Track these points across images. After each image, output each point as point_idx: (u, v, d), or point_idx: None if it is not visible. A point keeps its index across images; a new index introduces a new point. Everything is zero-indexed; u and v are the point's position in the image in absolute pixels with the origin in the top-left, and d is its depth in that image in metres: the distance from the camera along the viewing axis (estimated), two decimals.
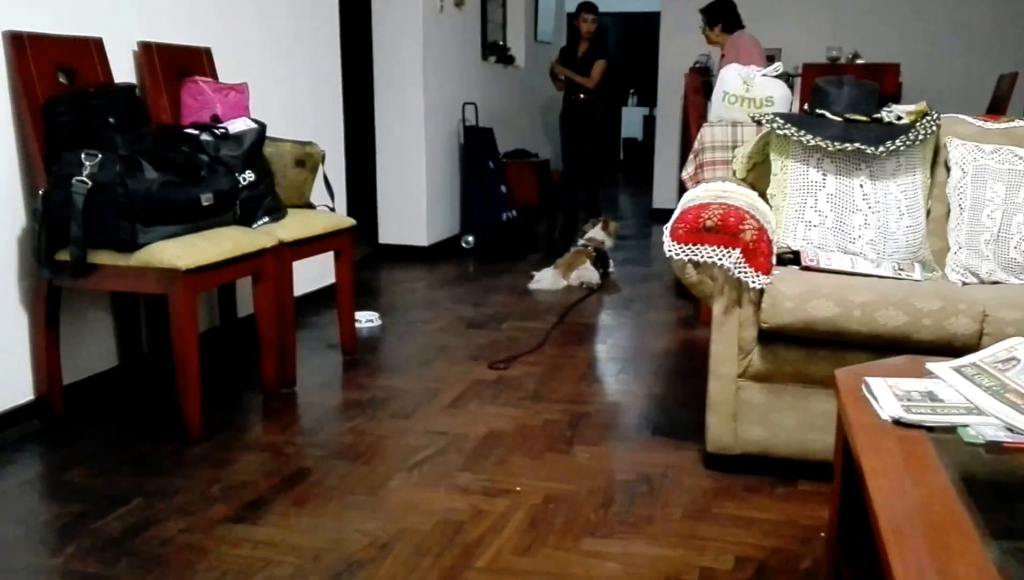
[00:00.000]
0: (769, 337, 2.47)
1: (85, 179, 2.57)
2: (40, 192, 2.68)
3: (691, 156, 4.03)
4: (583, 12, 6.74)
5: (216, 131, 3.03)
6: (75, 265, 2.63)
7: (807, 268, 2.60)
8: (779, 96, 3.93)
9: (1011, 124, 2.90)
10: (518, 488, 2.47)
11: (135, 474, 2.54)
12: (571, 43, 6.94)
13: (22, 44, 2.74)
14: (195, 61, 3.45)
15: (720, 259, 2.44)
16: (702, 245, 2.45)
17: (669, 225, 2.51)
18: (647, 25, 10.54)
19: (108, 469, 2.58)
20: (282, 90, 4.20)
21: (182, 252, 2.64)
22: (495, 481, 2.52)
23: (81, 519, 2.26)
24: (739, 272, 2.43)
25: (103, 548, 2.12)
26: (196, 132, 3.01)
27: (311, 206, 3.56)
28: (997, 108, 5.43)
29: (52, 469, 2.61)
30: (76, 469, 2.57)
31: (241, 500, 2.38)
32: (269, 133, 3.24)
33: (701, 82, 5.36)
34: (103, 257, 2.66)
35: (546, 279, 5.05)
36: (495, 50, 7.33)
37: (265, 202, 3.14)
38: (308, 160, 3.50)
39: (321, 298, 4.45)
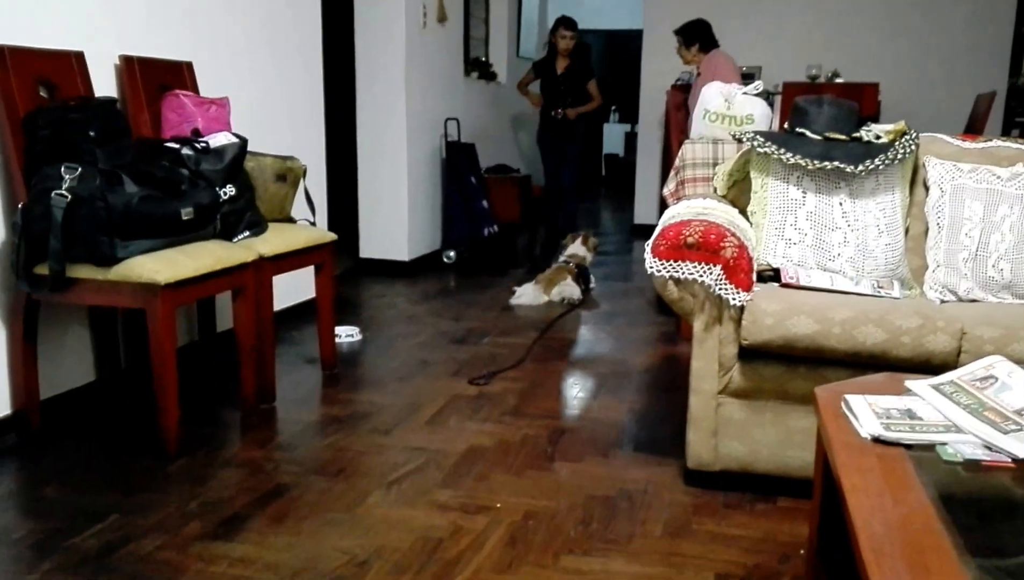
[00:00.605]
0: (749, 354, 2.47)
1: (65, 193, 2.55)
2: (20, 205, 2.66)
3: (672, 173, 4.05)
4: (561, 28, 6.71)
5: (197, 145, 3.02)
6: (54, 279, 2.61)
7: (787, 285, 2.61)
8: (759, 114, 3.96)
9: (988, 144, 2.93)
10: (498, 505, 2.46)
11: (112, 490, 2.51)
12: (548, 59, 6.88)
13: (3, 58, 2.72)
14: (176, 75, 3.44)
15: (701, 276, 2.45)
16: (683, 262, 2.46)
17: (651, 242, 2.52)
18: (629, 43, 10.63)
19: (85, 485, 2.55)
20: (264, 104, 4.19)
21: (161, 266, 2.62)
22: (475, 498, 2.51)
23: (57, 535, 2.24)
24: (720, 289, 2.44)
25: (79, 565, 2.10)
26: (177, 146, 2.99)
27: (292, 220, 3.55)
28: (974, 128, 5.48)
29: (28, 484, 2.58)
30: (52, 484, 2.55)
31: (219, 517, 2.36)
32: (250, 147, 3.23)
33: (683, 99, 5.40)
34: (82, 271, 2.64)
35: (527, 295, 5.06)
36: (477, 66, 7.35)
37: (246, 216, 3.13)
38: (289, 174, 3.49)
39: (301, 312, 4.44)
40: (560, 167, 6.88)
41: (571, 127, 6.80)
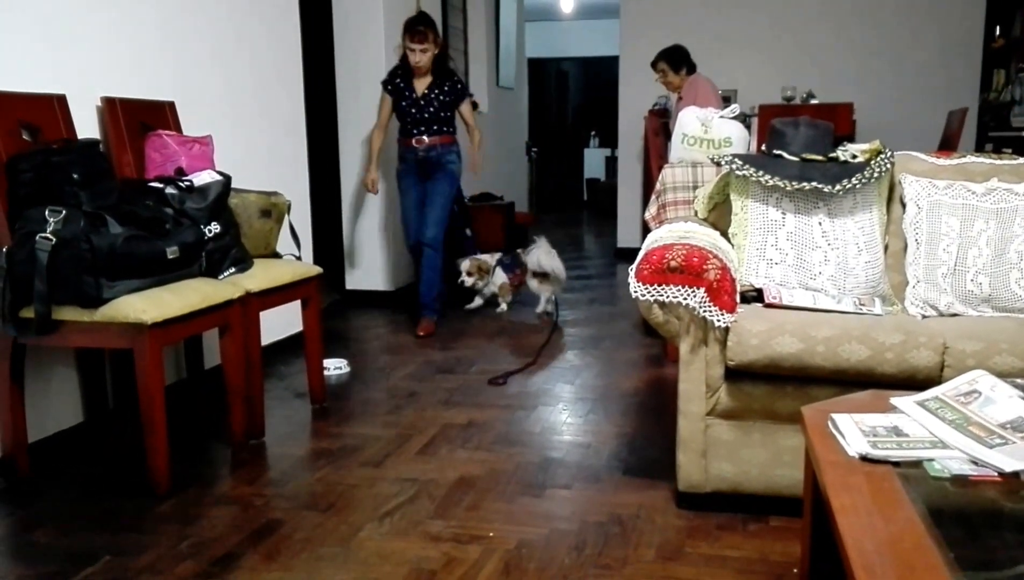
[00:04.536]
0: (736, 374, 2.49)
1: (49, 235, 2.55)
2: (3, 250, 2.66)
3: (653, 197, 4.09)
4: (406, 38, 4.92)
5: (181, 184, 3.03)
6: (40, 322, 2.60)
7: (770, 305, 2.64)
8: (737, 137, 4.01)
9: (962, 160, 2.98)
10: (491, 534, 2.46)
11: (102, 532, 2.50)
12: (403, 76, 5.06)
13: None
14: (159, 115, 3.46)
15: (685, 299, 2.47)
16: (667, 285, 2.48)
17: (634, 266, 2.54)
18: (607, 69, 10.73)
19: (75, 528, 2.53)
20: (247, 141, 4.21)
21: (148, 306, 2.62)
22: (467, 527, 2.51)
23: None
24: (704, 311, 2.46)
25: None
26: (161, 185, 3.01)
27: (277, 255, 3.55)
28: (948, 144, 5.56)
29: (17, 529, 2.56)
30: (42, 529, 2.53)
31: (210, 556, 2.34)
32: (234, 184, 3.25)
33: (660, 124, 5.46)
34: (68, 313, 2.64)
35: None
36: None
37: (231, 253, 3.14)
38: (274, 210, 3.50)
39: (289, 347, 4.43)
40: (422, 215, 5.13)
41: (437, 162, 5.13)
